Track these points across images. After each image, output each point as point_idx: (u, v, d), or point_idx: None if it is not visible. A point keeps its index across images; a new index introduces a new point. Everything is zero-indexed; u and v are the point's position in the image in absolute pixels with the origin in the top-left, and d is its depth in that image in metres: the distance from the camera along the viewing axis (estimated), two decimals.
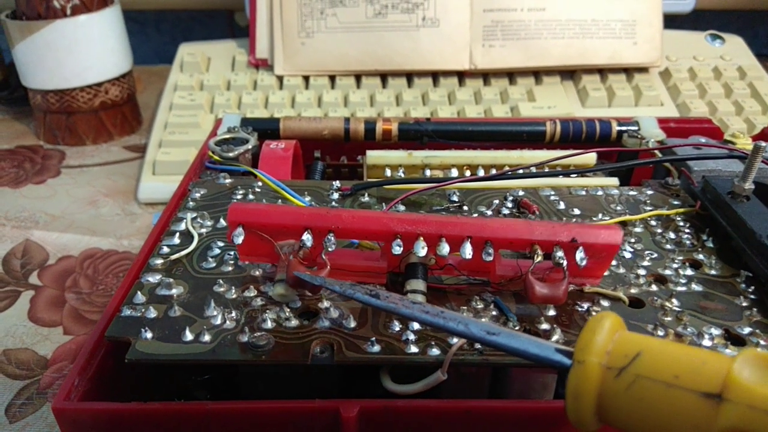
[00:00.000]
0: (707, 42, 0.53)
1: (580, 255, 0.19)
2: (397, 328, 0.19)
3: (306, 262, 0.20)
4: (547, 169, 0.30)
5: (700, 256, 0.23)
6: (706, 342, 0.19)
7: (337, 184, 0.28)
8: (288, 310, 0.20)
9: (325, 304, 0.20)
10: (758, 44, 0.63)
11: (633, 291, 0.21)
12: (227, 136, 0.31)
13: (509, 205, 0.26)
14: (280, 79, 0.48)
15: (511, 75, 0.49)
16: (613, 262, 0.23)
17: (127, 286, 0.21)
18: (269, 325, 0.19)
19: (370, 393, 0.18)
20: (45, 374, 0.28)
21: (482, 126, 0.34)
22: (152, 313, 0.20)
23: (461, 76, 0.49)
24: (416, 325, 0.19)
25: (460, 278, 0.21)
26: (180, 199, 0.27)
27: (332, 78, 0.49)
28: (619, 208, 0.26)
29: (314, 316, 0.20)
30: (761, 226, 0.22)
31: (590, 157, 0.31)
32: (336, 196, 0.27)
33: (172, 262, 0.22)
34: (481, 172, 0.30)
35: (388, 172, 0.31)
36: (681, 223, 0.25)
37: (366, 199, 0.27)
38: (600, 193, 0.27)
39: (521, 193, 0.27)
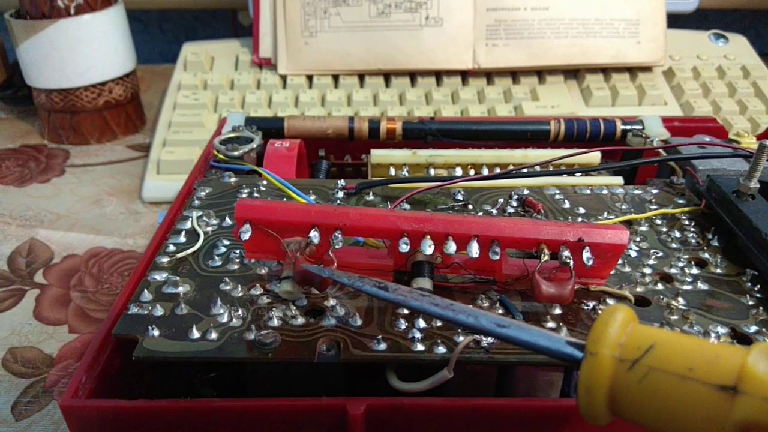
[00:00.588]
0: (711, 41, 0.53)
1: (586, 255, 0.19)
2: (404, 326, 0.19)
3: (312, 259, 0.20)
4: (551, 168, 0.30)
5: (706, 255, 0.23)
6: (713, 340, 0.19)
7: (341, 182, 0.28)
8: (294, 307, 0.20)
9: (332, 302, 0.20)
10: (762, 43, 0.63)
11: (639, 290, 0.21)
12: (232, 135, 0.31)
13: (514, 203, 0.26)
14: (284, 78, 0.48)
15: (515, 74, 0.49)
16: (619, 261, 0.23)
17: (133, 285, 0.21)
18: (276, 323, 0.19)
19: (376, 391, 0.18)
20: (51, 372, 0.28)
21: (486, 125, 0.34)
22: (159, 311, 0.20)
23: (464, 75, 0.49)
24: (422, 323, 0.19)
25: (466, 277, 0.21)
26: (185, 197, 0.27)
27: (335, 77, 0.49)
28: (624, 207, 0.26)
29: (320, 314, 0.20)
30: (766, 224, 0.22)
31: (594, 156, 0.31)
32: (341, 194, 0.27)
33: (179, 261, 0.22)
34: (485, 171, 0.30)
35: (392, 171, 0.31)
36: (686, 222, 0.25)
37: (371, 197, 0.27)
38: (605, 192, 0.27)
39: (526, 191, 0.27)
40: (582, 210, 0.26)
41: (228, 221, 0.25)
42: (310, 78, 0.49)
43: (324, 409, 0.17)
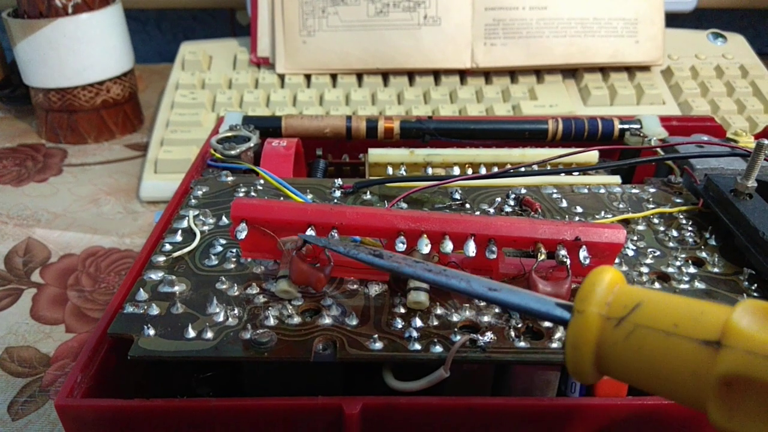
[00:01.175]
0: (709, 40, 0.53)
1: (583, 254, 0.19)
2: (400, 326, 0.19)
3: (309, 258, 0.20)
4: (549, 167, 0.30)
5: (703, 254, 0.23)
6: None
7: (339, 181, 0.28)
8: (290, 307, 0.20)
9: (328, 301, 0.20)
10: (760, 43, 0.63)
11: None
12: (229, 134, 0.31)
13: (511, 203, 0.26)
14: (282, 77, 0.48)
15: (513, 73, 0.49)
16: (616, 260, 0.23)
17: (129, 284, 0.21)
18: (272, 322, 0.19)
19: (372, 390, 0.18)
20: (47, 372, 0.28)
21: (484, 124, 0.34)
22: (155, 310, 0.20)
23: (463, 74, 0.49)
24: (419, 323, 0.19)
25: None
26: (182, 196, 0.27)
27: (334, 76, 0.49)
28: (621, 206, 0.26)
29: (316, 313, 0.20)
30: (764, 223, 0.22)
31: (592, 155, 0.31)
32: (338, 193, 0.27)
33: (175, 260, 0.22)
34: (482, 170, 0.30)
35: (390, 170, 0.31)
36: (684, 221, 0.25)
37: (368, 196, 0.27)
38: (602, 191, 0.27)
39: (523, 191, 0.27)
40: (579, 209, 0.26)
41: (225, 220, 0.25)
42: (308, 77, 0.49)
43: (320, 408, 0.17)
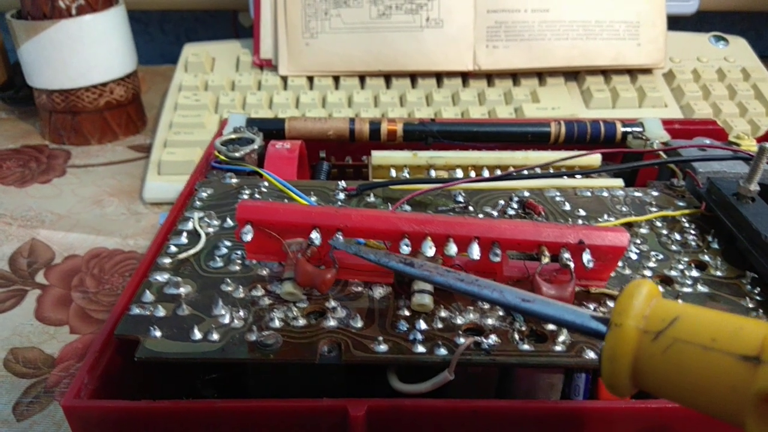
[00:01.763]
0: (711, 43, 0.53)
1: (587, 257, 0.19)
2: (405, 328, 0.19)
3: (314, 260, 0.20)
4: (551, 170, 0.30)
5: (706, 257, 0.23)
6: None
7: (342, 184, 0.28)
8: (295, 309, 0.20)
9: (332, 303, 0.20)
10: (762, 46, 0.63)
11: None
12: (233, 136, 0.31)
13: (515, 205, 0.26)
14: (285, 79, 0.49)
15: (515, 76, 0.49)
16: (620, 263, 0.23)
17: (135, 285, 0.21)
18: (277, 324, 0.19)
19: (376, 392, 0.18)
20: (52, 373, 0.28)
21: (487, 127, 0.34)
22: (161, 312, 0.20)
23: (465, 77, 0.49)
24: (423, 325, 0.20)
25: None
26: (186, 198, 0.27)
27: (336, 78, 0.49)
28: (624, 209, 0.26)
29: (321, 315, 0.20)
30: (766, 226, 0.22)
31: (595, 158, 0.31)
32: (342, 196, 0.27)
33: (180, 262, 0.22)
34: (485, 173, 0.30)
35: (393, 173, 0.31)
36: (686, 225, 0.25)
37: (372, 199, 0.27)
38: (605, 194, 0.27)
39: (527, 194, 0.27)
40: (582, 212, 0.26)
41: (229, 222, 0.25)
42: (310, 79, 0.49)
43: (325, 410, 0.18)
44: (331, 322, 0.20)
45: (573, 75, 0.49)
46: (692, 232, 0.25)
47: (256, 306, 0.20)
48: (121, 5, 0.48)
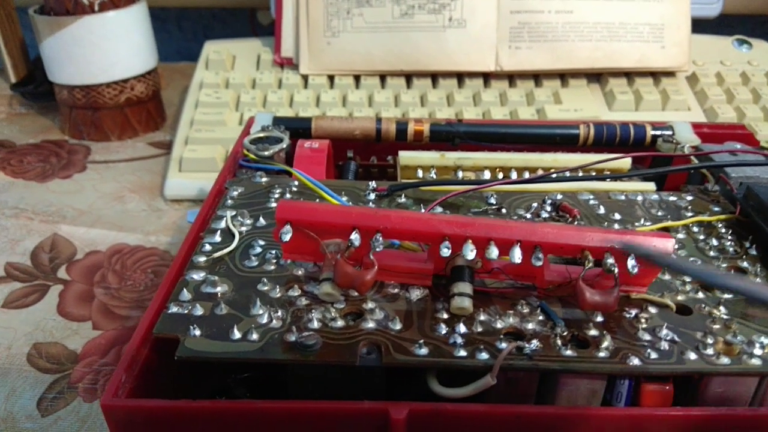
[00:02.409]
0: (734, 47, 0.53)
1: (631, 262, 0.19)
2: (444, 331, 0.19)
3: (352, 261, 0.20)
4: (581, 173, 0.30)
5: (745, 264, 0.23)
6: (757, 350, 0.19)
7: (373, 184, 0.27)
8: (333, 310, 0.20)
9: (370, 305, 0.20)
10: None
11: (680, 298, 0.21)
12: (261, 134, 0.31)
13: (548, 208, 0.26)
14: (305, 78, 0.48)
15: (537, 77, 0.49)
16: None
17: (170, 283, 0.21)
18: (316, 324, 0.19)
19: (413, 395, 0.18)
20: (75, 368, 0.28)
21: (514, 128, 0.34)
22: (199, 311, 0.20)
23: (486, 77, 0.49)
24: (463, 329, 0.19)
25: (505, 282, 0.21)
26: (216, 196, 0.27)
27: (357, 78, 0.49)
28: (660, 213, 0.26)
29: (359, 316, 0.20)
30: None
31: (625, 162, 0.31)
32: (372, 196, 0.27)
33: (215, 260, 0.22)
34: (514, 175, 0.30)
35: (420, 173, 0.31)
36: (723, 230, 0.25)
37: (402, 200, 0.27)
38: (639, 198, 0.27)
39: (560, 196, 0.27)
40: (617, 216, 0.26)
41: (262, 221, 0.25)
42: (331, 78, 0.48)
43: (367, 412, 0.17)
44: (370, 324, 0.19)
45: (596, 77, 0.49)
46: (729, 237, 0.25)
47: (294, 306, 0.20)
48: (143, 2, 0.48)
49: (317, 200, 0.26)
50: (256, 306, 0.20)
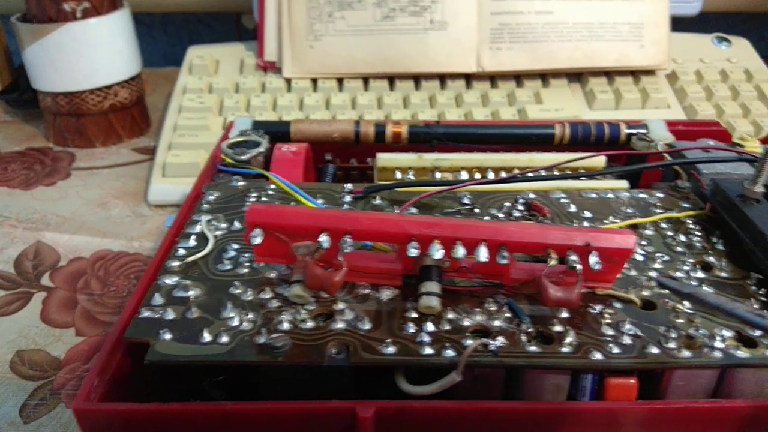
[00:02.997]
0: (714, 44, 0.53)
1: (594, 259, 0.19)
2: (412, 330, 0.20)
3: (322, 263, 0.20)
4: (556, 172, 0.30)
5: (711, 259, 0.24)
6: (718, 344, 0.19)
7: (349, 186, 0.28)
8: (304, 311, 0.20)
9: (340, 305, 0.21)
10: (764, 46, 0.63)
11: (645, 293, 0.22)
12: (239, 139, 0.31)
13: (520, 207, 0.27)
14: (289, 81, 0.49)
15: (518, 77, 0.49)
16: (626, 265, 0.23)
17: (143, 288, 0.22)
18: (286, 326, 0.20)
19: (383, 394, 0.18)
20: (58, 375, 0.28)
21: (492, 129, 0.34)
22: (170, 315, 0.20)
23: (468, 78, 0.49)
24: (431, 327, 0.20)
25: (473, 281, 0.21)
26: (193, 201, 0.27)
27: (340, 80, 0.49)
28: (629, 210, 0.26)
29: (329, 317, 0.20)
30: None
31: (599, 160, 0.31)
32: (348, 198, 0.27)
33: (189, 265, 0.22)
34: (490, 175, 0.31)
35: (398, 175, 0.31)
36: (691, 226, 0.26)
37: (378, 201, 0.27)
38: (610, 195, 0.28)
39: (532, 195, 0.27)
40: (588, 214, 0.26)
41: (237, 225, 0.25)
42: (314, 81, 0.49)
43: (334, 411, 0.18)
44: (339, 324, 0.20)
45: (576, 76, 0.49)
46: (697, 233, 0.25)
47: (265, 308, 0.20)
48: (125, 8, 0.48)
49: (292, 203, 0.26)
50: (227, 309, 0.20)
